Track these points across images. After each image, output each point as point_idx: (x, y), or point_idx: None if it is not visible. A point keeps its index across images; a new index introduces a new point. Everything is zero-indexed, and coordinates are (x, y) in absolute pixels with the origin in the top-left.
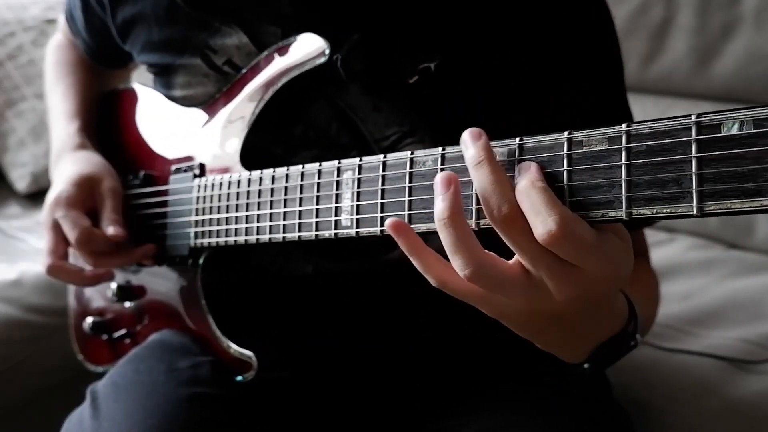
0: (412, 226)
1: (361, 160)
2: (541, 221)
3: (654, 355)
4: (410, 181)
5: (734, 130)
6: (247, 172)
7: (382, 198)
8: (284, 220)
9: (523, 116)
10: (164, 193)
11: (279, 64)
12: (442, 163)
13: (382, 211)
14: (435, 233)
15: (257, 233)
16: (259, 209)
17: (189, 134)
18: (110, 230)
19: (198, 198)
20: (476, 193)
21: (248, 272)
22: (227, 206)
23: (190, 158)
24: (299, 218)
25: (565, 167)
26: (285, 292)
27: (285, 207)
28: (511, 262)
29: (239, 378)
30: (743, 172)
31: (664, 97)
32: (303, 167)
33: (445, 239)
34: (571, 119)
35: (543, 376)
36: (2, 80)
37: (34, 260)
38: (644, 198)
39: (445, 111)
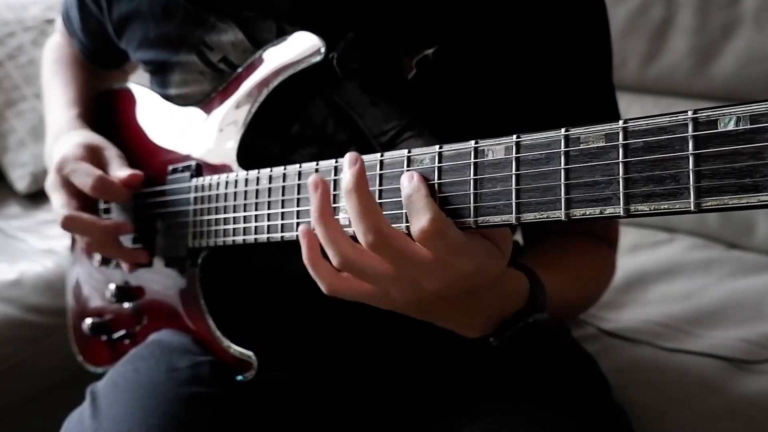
0: (408, 224)
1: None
2: (417, 220)
3: (654, 355)
4: None
5: (731, 126)
6: (245, 172)
7: (380, 197)
8: (282, 219)
9: (519, 108)
10: (161, 193)
11: (274, 62)
12: (440, 161)
13: None
14: None
15: (255, 233)
16: (257, 209)
17: (185, 134)
18: (124, 172)
19: (195, 198)
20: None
21: (247, 272)
22: (225, 206)
23: (186, 158)
24: (297, 217)
25: (563, 165)
26: (284, 291)
27: (283, 207)
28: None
29: (239, 378)
30: (740, 167)
31: (664, 97)
32: (300, 166)
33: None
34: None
35: (542, 376)
36: (2, 80)
37: (34, 260)
38: (642, 194)
39: (443, 104)
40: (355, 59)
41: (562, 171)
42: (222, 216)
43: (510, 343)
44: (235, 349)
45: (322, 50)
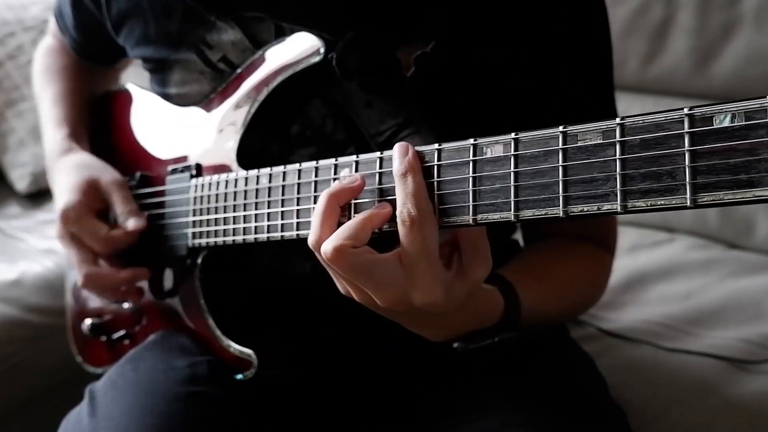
0: None
1: (357, 157)
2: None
3: (654, 355)
4: None
5: (726, 123)
6: (244, 172)
7: (379, 195)
8: (282, 218)
9: (517, 106)
10: (161, 193)
11: (274, 62)
12: (439, 159)
13: None
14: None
15: (255, 232)
16: (256, 208)
17: (185, 134)
18: (130, 224)
19: (195, 198)
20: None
21: (247, 271)
22: (224, 206)
23: (186, 158)
24: (297, 217)
25: (560, 162)
26: (284, 291)
27: (282, 206)
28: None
29: (239, 376)
30: (736, 163)
31: (664, 97)
32: (300, 165)
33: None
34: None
35: (541, 376)
36: (2, 80)
37: (34, 260)
38: (639, 191)
39: (442, 102)
40: (353, 59)
41: (560, 168)
42: (222, 215)
43: (473, 352)
44: (235, 347)
45: (321, 50)
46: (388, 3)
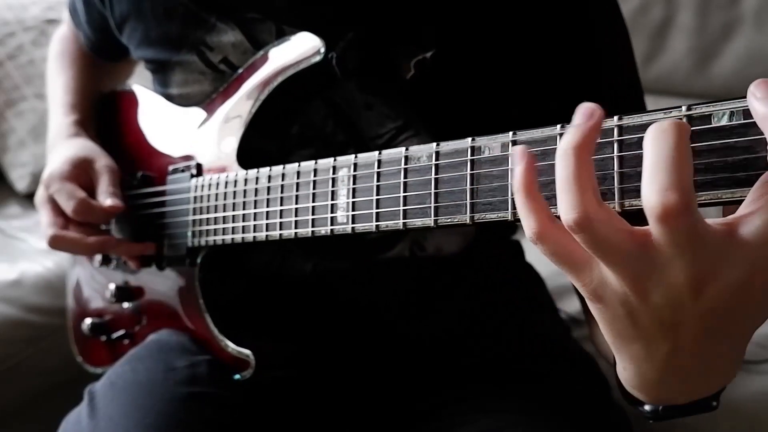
0: (406, 221)
1: (356, 157)
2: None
3: None
4: (405, 177)
5: (724, 121)
6: (244, 171)
7: (378, 194)
8: (281, 218)
9: (517, 108)
10: (162, 193)
11: (275, 63)
12: (437, 159)
13: (377, 208)
14: (432, 229)
15: (254, 231)
16: (256, 208)
17: (186, 134)
18: (108, 201)
19: (195, 198)
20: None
21: (246, 271)
22: (224, 205)
23: (187, 158)
24: (296, 216)
25: None
26: (284, 290)
27: (282, 205)
28: (634, 228)
29: (237, 376)
30: (734, 162)
31: (664, 97)
32: (299, 165)
33: (560, 173)
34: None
35: (542, 376)
36: (2, 80)
37: (34, 260)
38: (637, 189)
39: (441, 104)
40: (354, 59)
41: None
42: (221, 215)
43: (659, 418)
44: (233, 348)
45: (322, 50)
46: (388, 7)
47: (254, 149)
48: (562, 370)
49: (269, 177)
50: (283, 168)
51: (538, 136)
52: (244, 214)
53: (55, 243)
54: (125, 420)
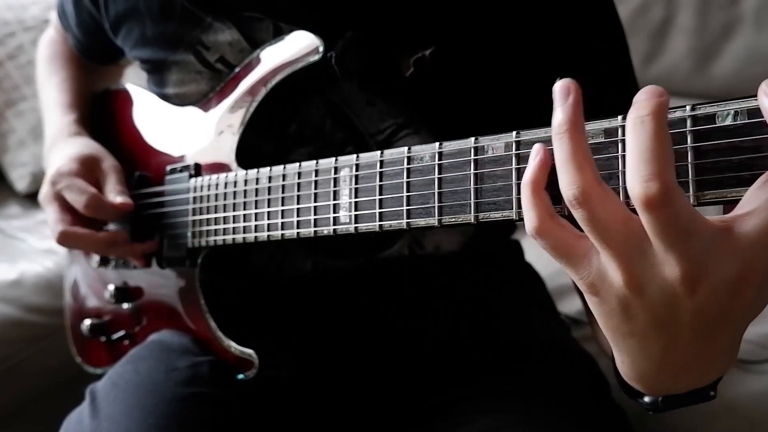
0: (410, 221)
1: (358, 157)
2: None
3: None
4: (408, 177)
5: (729, 121)
6: (243, 171)
7: (380, 194)
8: (282, 218)
9: (516, 105)
10: (160, 193)
11: (272, 62)
12: (440, 159)
13: (380, 208)
14: (434, 228)
15: (255, 231)
16: (256, 208)
17: (183, 134)
18: (118, 199)
19: (194, 198)
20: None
21: (247, 271)
22: (224, 206)
23: (185, 158)
24: (297, 216)
25: None
26: (284, 290)
27: (282, 205)
28: (632, 214)
29: (240, 376)
30: (739, 161)
31: None
32: (299, 165)
33: (557, 155)
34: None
35: (542, 376)
36: (2, 80)
37: (34, 260)
38: None
39: (441, 102)
40: (353, 58)
41: None
42: (221, 215)
43: (658, 409)
44: (236, 347)
45: (321, 49)
46: (387, 6)
47: (253, 148)
48: (561, 370)
49: (270, 177)
50: (284, 168)
51: (541, 135)
52: (245, 215)
53: (65, 239)
54: (127, 420)
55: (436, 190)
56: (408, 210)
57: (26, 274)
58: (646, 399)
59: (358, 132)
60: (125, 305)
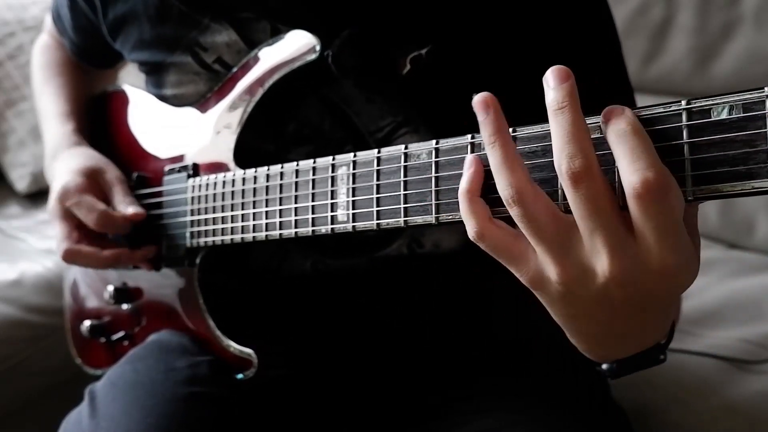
0: (407, 218)
1: (355, 155)
2: (638, 168)
3: None
4: (405, 175)
5: (724, 115)
6: (242, 171)
7: (378, 192)
8: (280, 217)
9: (515, 103)
10: (158, 194)
11: (269, 61)
12: (437, 156)
13: (378, 206)
14: (432, 226)
15: (254, 231)
16: (254, 207)
17: (181, 134)
18: (130, 210)
19: (193, 198)
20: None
21: (246, 270)
22: (222, 205)
23: (183, 158)
24: (295, 215)
25: None
26: (284, 289)
27: (281, 204)
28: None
29: (240, 376)
30: (734, 155)
31: (664, 97)
32: (297, 164)
33: (491, 161)
34: None
35: (541, 376)
36: (2, 80)
37: (34, 260)
38: None
39: (438, 99)
40: (350, 57)
41: None
42: (220, 215)
43: (616, 375)
44: (236, 347)
45: (318, 48)
46: (383, 4)
47: (251, 148)
48: (561, 370)
49: (267, 176)
50: (282, 167)
51: (537, 132)
52: (243, 214)
53: (70, 257)
54: (126, 420)
55: (433, 188)
56: (405, 208)
57: (26, 274)
58: (604, 366)
59: (357, 131)
60: (125, 306)
